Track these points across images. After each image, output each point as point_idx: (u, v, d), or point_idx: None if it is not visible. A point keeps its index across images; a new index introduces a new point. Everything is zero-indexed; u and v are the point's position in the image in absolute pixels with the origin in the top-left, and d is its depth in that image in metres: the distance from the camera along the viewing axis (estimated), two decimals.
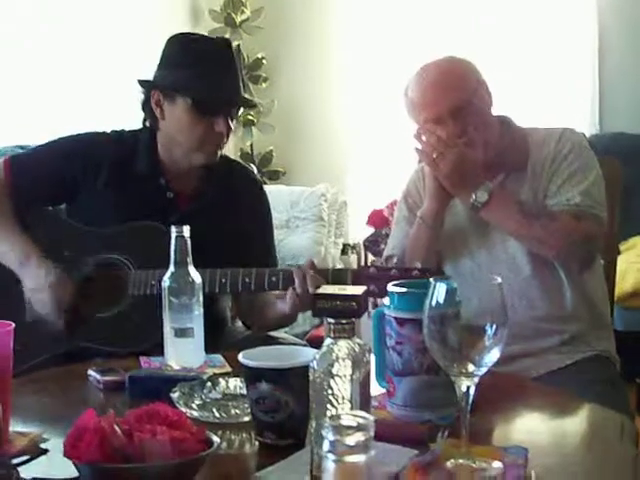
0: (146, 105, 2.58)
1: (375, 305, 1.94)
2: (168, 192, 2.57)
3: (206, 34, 3.01)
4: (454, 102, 2.39)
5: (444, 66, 2.48)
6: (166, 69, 2.54)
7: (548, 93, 5.29)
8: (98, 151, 2.58)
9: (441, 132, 2.36)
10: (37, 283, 2.40)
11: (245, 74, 5.77)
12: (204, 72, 2.48)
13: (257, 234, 2.65)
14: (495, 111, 2.51)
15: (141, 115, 2.63)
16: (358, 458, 0.89)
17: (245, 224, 2.60)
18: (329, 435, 0.89)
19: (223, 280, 2.32)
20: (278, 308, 2.39)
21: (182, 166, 2.56)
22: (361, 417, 0.92)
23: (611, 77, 5.23)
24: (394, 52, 5.52)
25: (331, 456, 0.89)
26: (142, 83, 2.58)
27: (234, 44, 5.65)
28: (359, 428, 0.90)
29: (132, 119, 2.69)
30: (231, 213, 2.58)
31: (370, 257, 4.89)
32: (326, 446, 0.89)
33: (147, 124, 2.62)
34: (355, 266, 4.82)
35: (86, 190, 2.56)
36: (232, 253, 2.46)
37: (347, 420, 0.91)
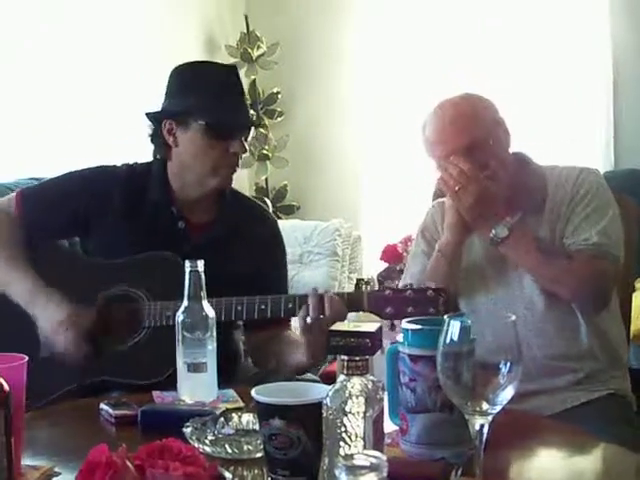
0: (155, 136, 2.59)
1: (392, 326, 1.93)
2: (180, 222, 2.57)
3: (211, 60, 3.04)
4: (469, 141, 2.39)
5: (461, 104, 2.47)
6: (176, 96, 2.56)
7: (563, 130, 5.29)
8: (109, 184, 2.59)
9: (464, 165, 2.36)
10: (51, 320, 2.37)
11: (260, 109, 5.80)
12: (217, 96, 2.50)
13: (270, 272, 2.63)
14: (512, 148, 2.51)
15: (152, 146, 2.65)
16: None
17: (258, 259, 2.58)
18: (342, 475, 0.88)
19: (239, 307, 2.31)
20: (295, 358, 2.37)
21: (195, 194, 2.57)
22: (374, 457, 0.91)
23: (626, 114, 5.23)
24: (409, 87, 5.54)
25: None
26: (150, 115, 2.60)
27: (250, 79, 5.74)
28: (372, 468, 0.89)
29: (145, 151, 2.70)
30: (243, 246, 2.58)
31: None
32: None
33: (157, 156, 2.63)
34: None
35: (98, 223, 2.56)
36: (244, 286, 2.46)
37: (360, 460, 0.90)
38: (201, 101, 2.49)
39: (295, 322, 2.37)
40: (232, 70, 2.61)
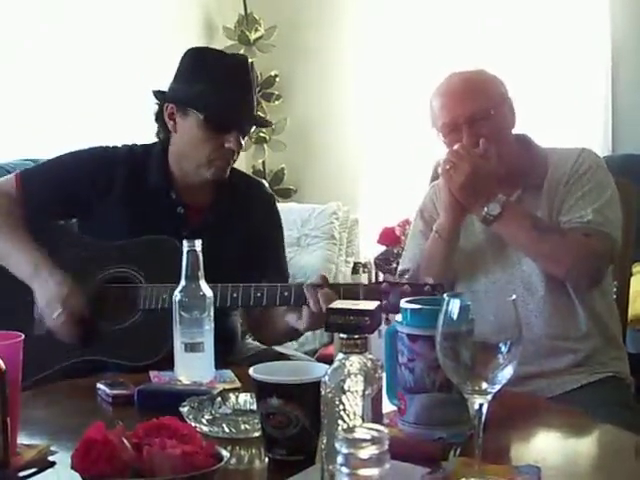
0: (159, 117, 2.58)
1: (387, 320, 1.93)
2: (179, 207, 2.56)
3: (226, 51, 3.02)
4: (472, 110, 2.39)
5: (470, 76, 2.50)
6: (181, 82, 2.55)
7: (561, 115, 5.28)
8: (109, 165, 2.58)
9: (457, 145, 2.37)
10: (48, 296, 2.37)
11: (258, 91, 5.78)
12: (218, 88, 2.48)
13: (268, 248, 2.64)
14: (515, 130, 2.52)
15: (152, 129, 2.64)
16: (371, 472, 0.87)
17: (256, 238, 2.59)
18: (342, 448, 0.87)
19: (234, 295, 2.31)
20: (287, 322, 2.37)
21: (192, 180, 2.56)
22: (375, 430, 0.90)
23: (624, 99, 5.22)
24: (408, 71, 5.52)
25: (344, 470, 0.87)
26: (156, 94, 2.58)
27: None
28: (373, 441, 0.88)
29: (143, 133, 2.69)
30: (242, 227, 2.58)
31: (381, 276, 4.88)
32: (339, 459, 0.87)
33: (160, 137, 2.62)
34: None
35: (97, 205, 2.55)
36: (243, 267, 2.46)
37: (361, 433, 0.89)
38: (201, 92, 2.48)
39: None
40: (241, 63, 2.56)
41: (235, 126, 2.50)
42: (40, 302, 2.39)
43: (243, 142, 2.53)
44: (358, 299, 2.20)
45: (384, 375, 1.36)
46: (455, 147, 2.38)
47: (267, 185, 5.16)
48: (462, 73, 2.50)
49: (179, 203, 2.56)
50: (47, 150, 2.94)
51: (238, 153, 2.54)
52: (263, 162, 5.90)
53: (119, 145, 2.66)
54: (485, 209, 2.36)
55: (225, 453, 1.37)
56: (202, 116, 2.47)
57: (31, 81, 4.20)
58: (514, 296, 1.30)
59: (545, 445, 1.68)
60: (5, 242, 2.48)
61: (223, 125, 2.48)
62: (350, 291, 2.26)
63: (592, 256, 2.36)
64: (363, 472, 0.88)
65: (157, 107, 2.59)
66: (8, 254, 2.47)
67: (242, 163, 5.72)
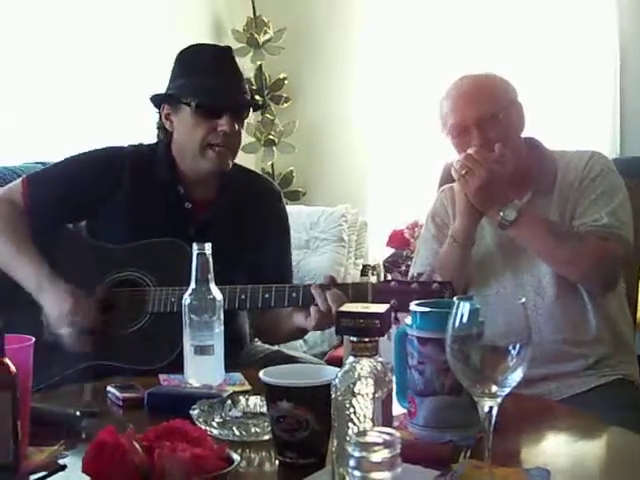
0: (160, 121, 2.64)
1: (396, 319, 1.93)
2: (187, 202, 2.58)
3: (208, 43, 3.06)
4: (480, 112, 2.39)
5: (480, 79, 2.51)
6: (171, 81, 2.60)
7: (568, 116, 5.26)
8: (116, 165, 2.59)
9: (471, 148, 2.36)
10: (55, 312, 2.38)
11: (267, 94, 5.78)
12: (204, 77, 2.52)
13: (274, 243, 2.66)
14: (523, 133, 2.51)
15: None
16: (384, 475, 0.88)
17: (263, 233, 2.62)
18: (355, 451, 0.87)
19: (243, 296, 2.32)
20: (293, 321, 2.37)
21: (196, 174, 2.57)
22: (387, 434, 0.90)
23: (632, 101, 5.20)
24: (416, 74, 5.51)
25: (356, 473, 0.87)
26: (153, 99, 2.62)
27: (256, 64, 5.72)
28: (385, 445, 0.88)
29: (151, 135, 2.70)
30: (249, 222, 2.60)
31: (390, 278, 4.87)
32: (351, 462, 0.88)
33: (161, 137, 2.64)
34: None
35: (106, 204, 2.57)
36: (249, 262, 2.47)
37: (373, 436, 0.90)
38: (188, 82, 2.53)
39: None
40: (223, 50, 2.63)
41: (226, 109, 2.52)
42: (49, 317, 2.40)
43: (237, 126, 2.55)
44: (367, 298, 2.20)
45: (394, 378, 1.37)
46: (470, 151, 2.37)
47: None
48: (472, 76, 2.51)
49: (187, 198, 2.59)
50: (56, 153, 2.95)
51: (237, 139, 2.56)
52: (272, 164, 5.89)
53: (125, 145, 2.68)
54: (501, 214, 2.36)
55: (236, 456, 1.37)
56: (193, 104, 2.50)
57: (40, 84, 4.21)
58: (523, 299, 1.30)
59: (555, 448, 1.68)
60: (11, 255, 2.49)
61: (214, 109, 2.51)
62: (359, 290, 2.26)
63: (610, 260, 2.37)
64: (375, 475, 0.88)
65: (157, 115, 2.63)
66: (14, 267, 2.48)
67: (251, 165, 5.71)
